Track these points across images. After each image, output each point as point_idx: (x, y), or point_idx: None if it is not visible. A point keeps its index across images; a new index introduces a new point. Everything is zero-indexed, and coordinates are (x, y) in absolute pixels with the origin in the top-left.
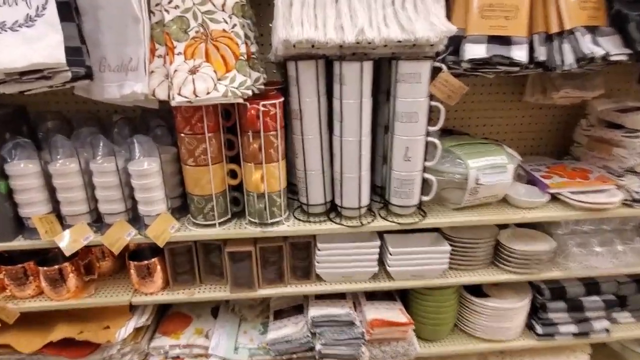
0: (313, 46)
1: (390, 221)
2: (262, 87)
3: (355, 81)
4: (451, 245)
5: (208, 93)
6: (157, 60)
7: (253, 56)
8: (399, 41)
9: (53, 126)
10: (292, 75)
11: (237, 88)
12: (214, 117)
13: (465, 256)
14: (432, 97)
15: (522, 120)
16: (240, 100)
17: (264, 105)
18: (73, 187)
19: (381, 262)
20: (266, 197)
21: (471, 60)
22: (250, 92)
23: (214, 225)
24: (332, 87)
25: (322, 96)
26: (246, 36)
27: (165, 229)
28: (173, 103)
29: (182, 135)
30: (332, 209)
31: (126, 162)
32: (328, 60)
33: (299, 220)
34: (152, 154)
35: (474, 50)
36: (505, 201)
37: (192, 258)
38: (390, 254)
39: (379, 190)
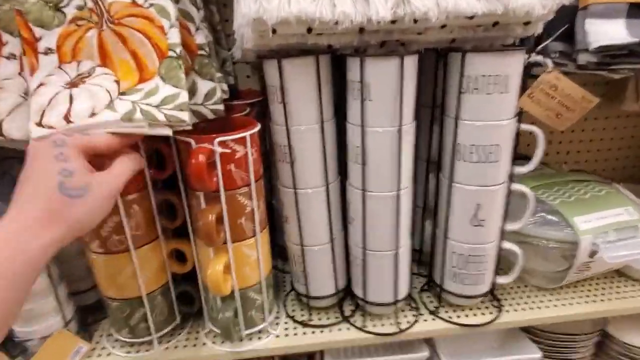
0: (310, 30)
1: (447, 320)
2: (220, 107)
3: (391, 92)
4: (535, 341)
5: (93, 115)
6: (7, 64)
7: (201, 52)
8: (471, 16)
9: None
10: (274, 85)
11: (157, 107)
12: None
13: (558, 359)
14: (520, 116)
15: (613, 134)
16: (167, 132)
17: (222, 144)
18: None
19: None
20: (238, 300)
21: (604, 49)
22: (186, 119)
23: (149, 342)
24: (343, 105)
25: (327, 121)
26: (185, 15)
27: None
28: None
29: None
30: (348, 294)
31: None
32: (336, 57)
33: (296, 322)
34: None
35: (607, 32)
36: (616, 270)
37: None
38: None
39: (415, 255)
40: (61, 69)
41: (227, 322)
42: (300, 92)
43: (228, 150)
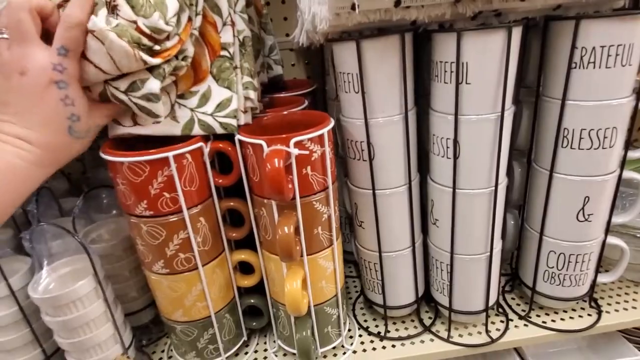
0: (398, 3)
1: (541, 326)
2: (232, 121)
3: (494, 72)
4: (628, 340)
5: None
6: None
7: (224, 53)
8: None
9: None
10: (348, 72)
11: (212, 115)
12: (200, 174)
13: None
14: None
15: None
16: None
17: (299, 145)
18: None
19: None
20: (313, 318)
21: None
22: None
23: None
24: (426, 92)
25: (410, 110)
26: (213, 8)
27: None
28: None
29: (133, 220)
30: (423, 300)
31: (30, 277)
32: (418, 36)
33: (371, 334)
34: (75, 254)
35: None
36: None
37: None
38: None
39: None
40: None
41: (306, 343)
42: (383, 78)
43: (305, 152)
